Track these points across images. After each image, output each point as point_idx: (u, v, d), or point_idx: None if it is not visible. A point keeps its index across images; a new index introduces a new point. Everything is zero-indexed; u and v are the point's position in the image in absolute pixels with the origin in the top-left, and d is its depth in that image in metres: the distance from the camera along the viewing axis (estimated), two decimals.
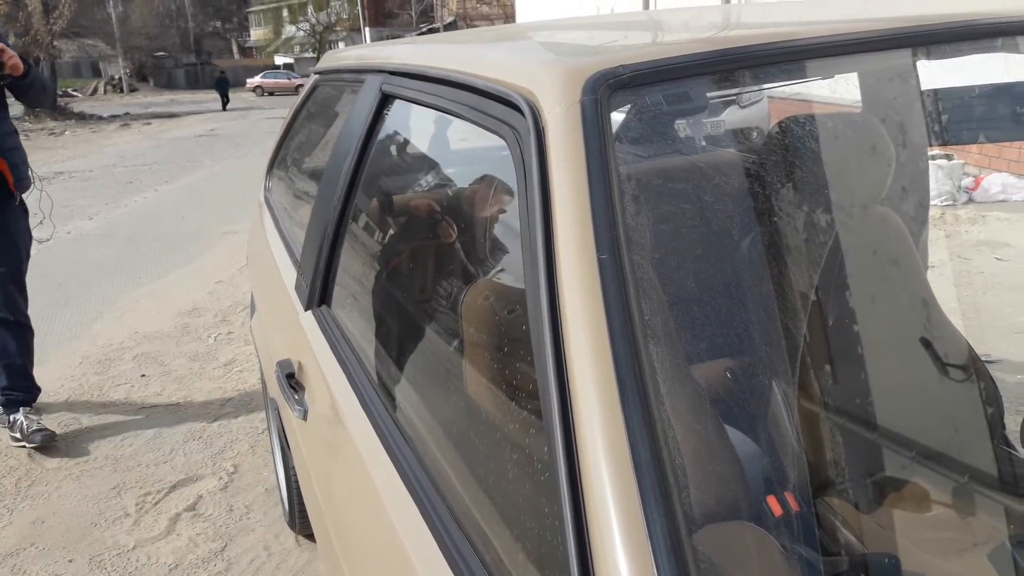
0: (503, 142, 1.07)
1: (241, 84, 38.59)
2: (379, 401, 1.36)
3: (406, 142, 2.02)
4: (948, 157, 6.48)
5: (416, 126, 1.95)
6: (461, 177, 2.09)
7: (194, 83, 50.66)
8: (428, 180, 2.16)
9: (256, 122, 20.74)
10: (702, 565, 0.72)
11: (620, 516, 0.69)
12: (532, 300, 0.84)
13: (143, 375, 4.11)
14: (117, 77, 45.56)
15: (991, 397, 1.48)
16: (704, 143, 2.44)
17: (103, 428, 3.51)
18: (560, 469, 0.74)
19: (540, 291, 0.82)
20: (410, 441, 1.22)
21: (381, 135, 1.77)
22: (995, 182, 6.34)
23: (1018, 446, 1.43)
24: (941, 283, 1.61)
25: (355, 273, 1.82)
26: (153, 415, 3.63)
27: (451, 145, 2.05)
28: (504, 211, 1.54)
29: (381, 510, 1.17)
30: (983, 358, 1.58)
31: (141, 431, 3.47)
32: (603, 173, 0.87)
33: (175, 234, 7.54)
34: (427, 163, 2.17)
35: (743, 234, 1.42)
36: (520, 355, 1.10)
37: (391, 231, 1.97)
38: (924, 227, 2.21)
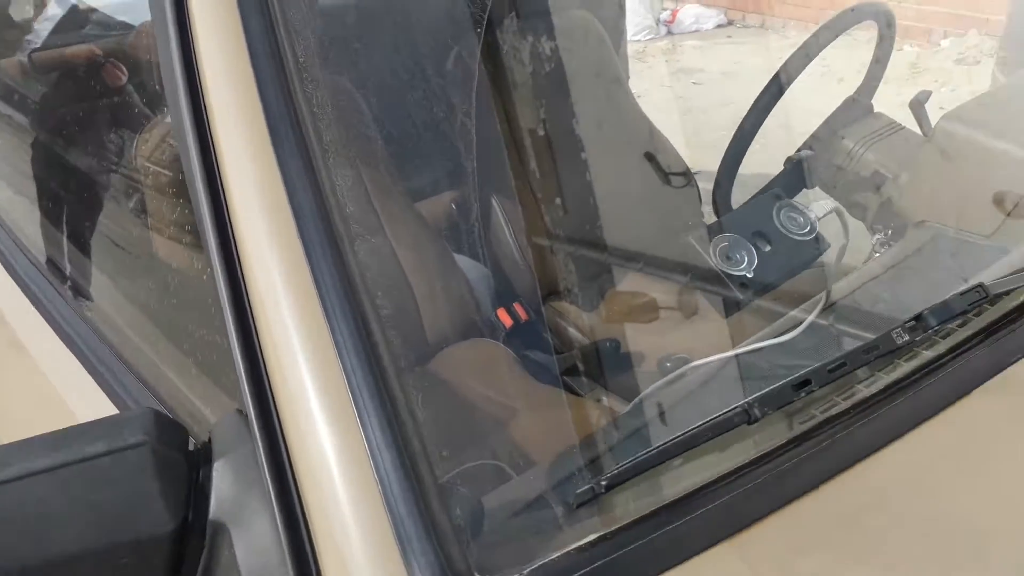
0: None
1: None
2: (38, 275, 1.15)
3: None
4: None
5: None
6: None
7: None
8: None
9: None
10: (420, 394, 0.63)
11: (303, 342, 0.59)
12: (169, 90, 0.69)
13: None
14: None
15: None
16: None
17: None
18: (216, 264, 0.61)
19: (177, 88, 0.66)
20: (77, 307, 1.05)
21: None
22: (689, 14, 6.72)
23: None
24: (649, 110, 1.66)
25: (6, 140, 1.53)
26: None
27: None
28: None
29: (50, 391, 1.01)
30: None
31: None
32: None
33: None
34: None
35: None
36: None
37: (44, 86, 1.67)
38: (622, 37, 2.25)
